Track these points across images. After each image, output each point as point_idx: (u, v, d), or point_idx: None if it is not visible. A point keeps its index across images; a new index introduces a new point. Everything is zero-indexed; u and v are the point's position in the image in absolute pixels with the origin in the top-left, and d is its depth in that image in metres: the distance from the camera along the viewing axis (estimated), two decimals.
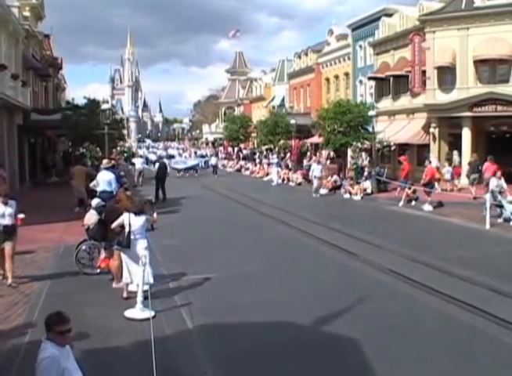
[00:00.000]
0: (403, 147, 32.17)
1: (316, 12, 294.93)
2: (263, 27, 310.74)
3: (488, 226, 16.74)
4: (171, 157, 52.48)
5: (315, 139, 39.65)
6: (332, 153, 36.43)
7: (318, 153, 38.56)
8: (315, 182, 27.01)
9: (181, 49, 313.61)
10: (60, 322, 4.96)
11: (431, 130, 30.06)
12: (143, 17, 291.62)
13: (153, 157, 51.64)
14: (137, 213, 9.29)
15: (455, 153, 28.71)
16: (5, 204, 10.44)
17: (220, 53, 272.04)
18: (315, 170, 27.39)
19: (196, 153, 59.37)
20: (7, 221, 10.44)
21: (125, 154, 57.44)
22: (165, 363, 6.61)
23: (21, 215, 10.98)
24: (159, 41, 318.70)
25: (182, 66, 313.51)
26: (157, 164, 26.30)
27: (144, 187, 30.89)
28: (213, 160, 44.80)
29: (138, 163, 37.07)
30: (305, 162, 36.88)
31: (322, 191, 27.30)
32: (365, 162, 29.27)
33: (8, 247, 10.44)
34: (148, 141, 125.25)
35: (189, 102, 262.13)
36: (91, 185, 17.80)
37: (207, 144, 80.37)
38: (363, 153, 30.53)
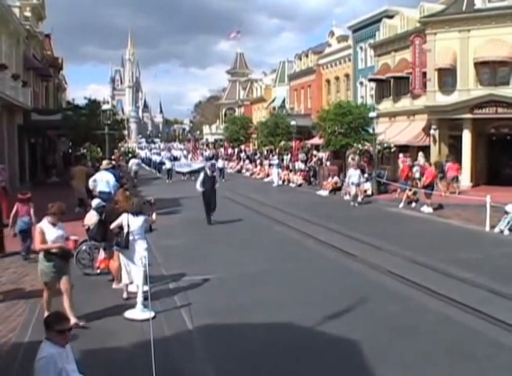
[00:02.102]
0: (403, 149, 32.20)
1: (316, 14, 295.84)
2: (263, 28, 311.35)
3: (487, 228, 16.75)
4: (175, 158, 50.65)
5: (316, 141, 39.67)
6: (322, 155, 36.50)
7: (314, 155, 38.59)
8: (353, 190, 23.76)
9: (180, 50, 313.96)
10: (59, 321, 4.98)
11: (432, 132, 30.07)
12: (143, 18, 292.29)
13: (157, 159, 49.45)
14: (135, 214, 9.28)
15: (420, 154, 28.82)
16: (54, 225, 8.41)
17: (220, 54, 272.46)
18: (353, 176, 23.87)
19: (202, 154, 55.71)
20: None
21: (129, 155, 56.92)
22: (165, 363, 6.61)
23: (74, 237, 9.02)
24: (158, 41, 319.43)
25: (181, 66, 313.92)
26: (201, 175, 19.35)
27: (144, 188, 30.91)
28: (219, 163, 41.69)
29: (133, 164, 36.93)
30: (297, 164, 36.86)
31: (346, 197, 24.64)
32: (350, 160, 29.15)
33: (65, 279, 8.46)
34: (143, 141, 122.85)
35: (189, 103, 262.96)
36: (90, 185, 17.79)
37: (207, 145, 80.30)
38: (351, 155, 30.45)
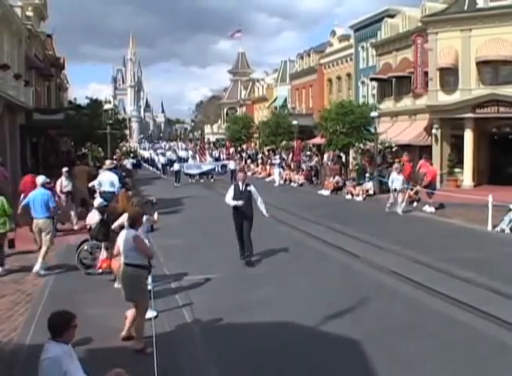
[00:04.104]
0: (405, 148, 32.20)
1: (315, 13, 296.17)
2: (263, 28, 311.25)
3: (490, 228, 16.73)
4: (181, 160, 47.58)
5: (318, 140, 39.66)
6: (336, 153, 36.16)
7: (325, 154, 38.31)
8: (395, 196, 20.90)
9: (181, 49, 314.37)
10: (73, 316, 5.04)
11: (434, 131, 30.04)
12: (143, 17, 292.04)
13: (162, 160, 47.08)
14: None
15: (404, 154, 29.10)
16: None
17: (220, 53, 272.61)
18: (395, 181, 20.92)
19: (211, 155, 51.60)
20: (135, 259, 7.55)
21: (131, 154, 56.50)
22: (167, 362, 6.61)
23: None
24: (158, 40, 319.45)
25: (182, 66, 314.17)
26: (230, 190, 13.48)
27: (147, 187, 30.93)
28: (231, 165, 38.81)
29: (127, 163, 36.62)
30: (304, 163, 36.91)
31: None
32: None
33: None
34: (145, 142, 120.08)
35: (189, 102, 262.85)
36: (90, 185, 17.79)
37: (209, 144, 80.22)
38: (353, 155, 30.49)
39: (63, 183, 17.64)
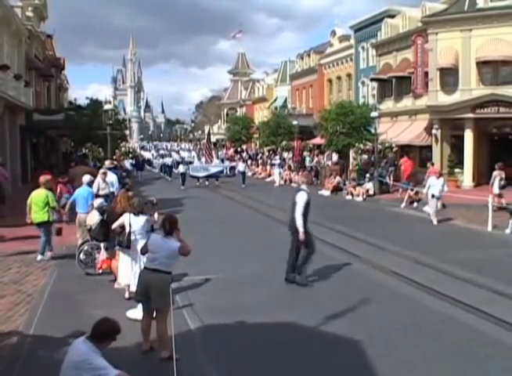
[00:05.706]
0: (405, 149, 32.19)
1: (314, 13, 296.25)
2: (262, 28, 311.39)
3: (490, 228, 16.70)
4: (183, 161, 45.79)
5: (318, 140, 39.68)
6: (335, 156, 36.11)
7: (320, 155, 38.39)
8: (433, 204, 18.41)
9: (180, 50, 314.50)
10: (120, 332, 5.13)
11: (434, 131, 30.05)
12: (142, 18, 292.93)
13: (167, 161, 45.47)
14: (136, 214, 9.29)
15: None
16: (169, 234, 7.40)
17: (219, 54, 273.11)
18: (433, 187, 18.38)
19: (218, 157, 48.07)
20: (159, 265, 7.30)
21: (129, 155, 56.44)
22: (166, 363, 6.59)
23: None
24: (158, 41, 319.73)
25: (181, 66, 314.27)
26: (306, 197, 11.60)
27: (145, 187, 30.92)
28: (240, 167, 37.22)
29: (127, 164, 36.42)
30: (308, 162, 36.95)
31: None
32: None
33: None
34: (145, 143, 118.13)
35: (189, 103, 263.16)
36: (94, 187, 17.70)
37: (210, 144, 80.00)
38: (353, 155, 30.57)
39: (100, 185, 16.00)
